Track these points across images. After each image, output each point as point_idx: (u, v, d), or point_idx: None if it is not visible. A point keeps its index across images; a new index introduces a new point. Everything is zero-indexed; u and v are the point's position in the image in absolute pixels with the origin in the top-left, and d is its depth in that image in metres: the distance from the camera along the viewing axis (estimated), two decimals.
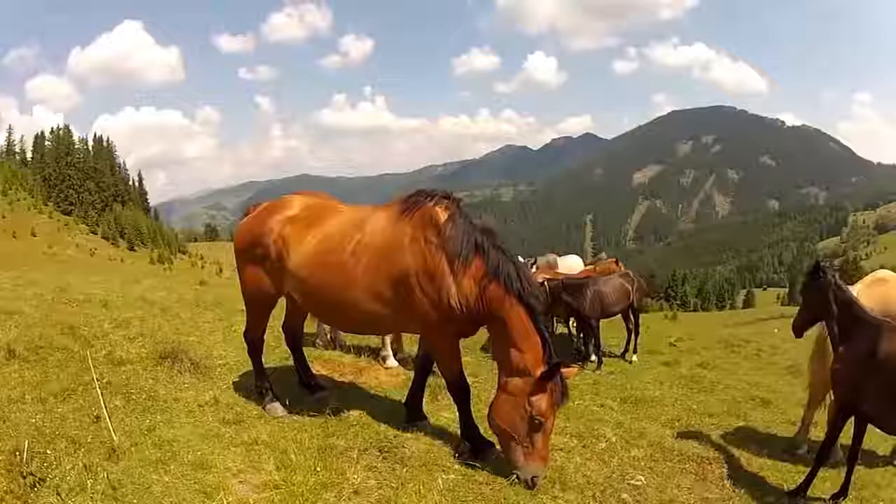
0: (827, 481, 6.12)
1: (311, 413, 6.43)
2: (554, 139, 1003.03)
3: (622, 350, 12.77)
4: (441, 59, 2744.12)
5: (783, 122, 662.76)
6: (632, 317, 12.49)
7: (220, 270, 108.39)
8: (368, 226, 5.83)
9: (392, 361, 9.02)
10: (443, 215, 5.59)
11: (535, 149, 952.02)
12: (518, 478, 5.36)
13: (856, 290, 7.24)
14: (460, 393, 5.91)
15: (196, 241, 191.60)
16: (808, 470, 6.00)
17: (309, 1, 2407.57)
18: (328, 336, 9.93)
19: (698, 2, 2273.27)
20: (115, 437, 5.12)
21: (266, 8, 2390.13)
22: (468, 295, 5.46)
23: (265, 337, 7.08)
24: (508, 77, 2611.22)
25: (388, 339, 9.06)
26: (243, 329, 7.11)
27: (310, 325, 8.77)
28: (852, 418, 5.73)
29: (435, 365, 6.48)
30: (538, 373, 5.30)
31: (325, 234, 5.96)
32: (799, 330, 6.30)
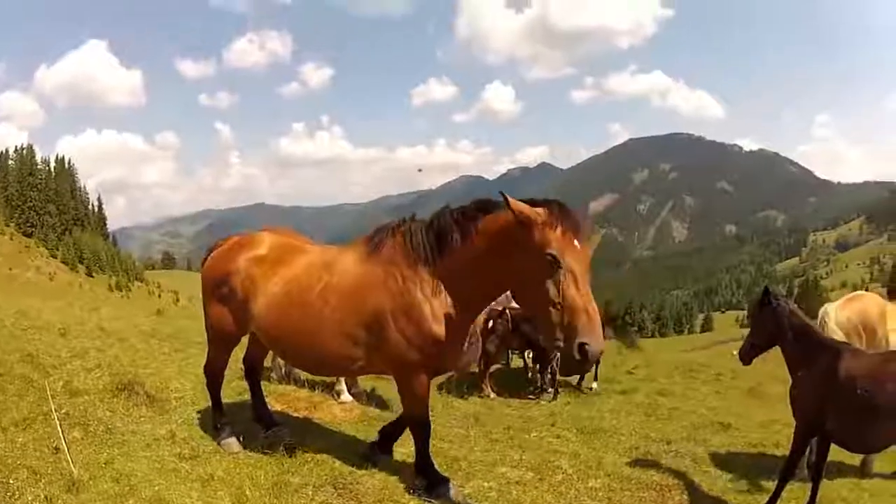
0: (792, 502, 6.21)
1: (266, 449, 6.37)
2: (510, 169, 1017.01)
3: (578, 380, 12.85)
4: (399, 89, 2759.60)
5: (741, 147, 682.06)
6: None
7: (177, 300, 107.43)
8: (337, 267, 5.76)
9: (346, 396, 8.97)
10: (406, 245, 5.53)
11: (491, 179, 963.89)
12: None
13: (834, 307, 7.77)
14: (422, 431, 5.83)
15: (153, 268, 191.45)
16: (773, 490, 6.12)
17: (271, 27, 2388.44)
18: (283, 370, 9.87)
19: (657, 30, 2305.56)
20: (74, 470, 5.12)
21: (229, 33, 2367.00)
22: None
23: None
24: (466, 107, 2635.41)
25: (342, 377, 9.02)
26: (200, 362, 7.12)
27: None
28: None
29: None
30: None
31: (293, 276, 5.89)
32: (747, 357, 6.60)
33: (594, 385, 12.57)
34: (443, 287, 5.37)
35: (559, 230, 4.67)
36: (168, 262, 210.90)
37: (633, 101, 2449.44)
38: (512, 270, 5.00)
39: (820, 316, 8.15)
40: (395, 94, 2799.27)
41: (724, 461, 7.80)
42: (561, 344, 4.66)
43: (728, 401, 12.06)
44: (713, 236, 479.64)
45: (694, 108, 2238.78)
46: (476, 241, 5.20)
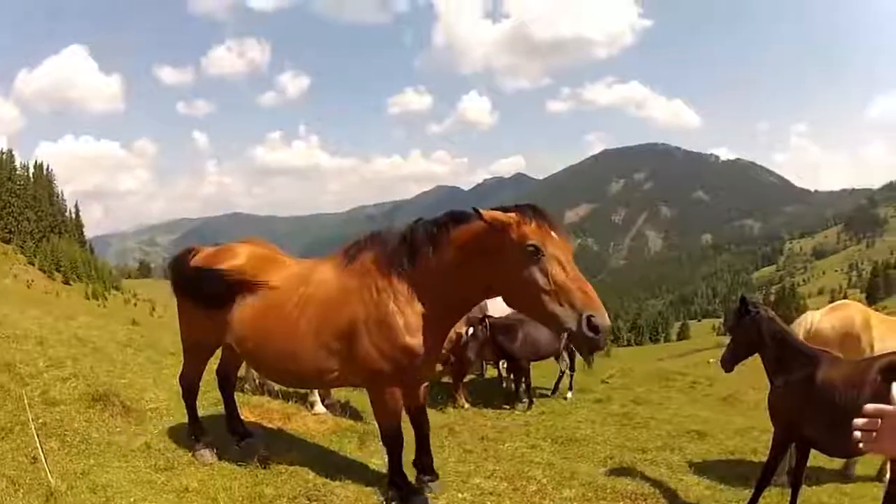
0: None
1: (240, 461, 6.42)
2: (486, 179, 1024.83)
3: (553, 389, 12.92)
4: (376, 99, 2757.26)
5: (717, 156, 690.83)
6: (566, 357, 12.68)
7: (153, 309, 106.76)
8: (314, 278, 5.77)
9: (320, 407, 8.95)
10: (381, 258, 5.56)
11: (466, 189, 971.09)
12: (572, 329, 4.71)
13: (818, 315, 8.13)
14: (395, 443, 5.82)
15: (130, 277, 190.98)
16: (750, 496, 6.20)
17: (250, 35, 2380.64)
18: (256, 381, 9.86)
19: (635, 40, 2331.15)
20: (52, 480, 5.21)
21: (208, 40, 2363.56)
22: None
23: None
24: (442, 117, 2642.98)
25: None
26: (175, 372, 7.24)
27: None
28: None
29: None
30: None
31: (269, 286, 5.88)
32: (729, 364, 6.63)
33: (569, 394, 12.60)
34: (417, 297, 5.39)
35: (534, 224, 4.80)
36: (144, 270, 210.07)
37: (609, 111, 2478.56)
38: (495, 274, 5.04)
39: (802, 324, 8.26)
40: (372, 103, 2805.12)
41: (700, 469, 7.82)
42: (570, 325, 4.64)
43: (704, 409, 12.09)
44: (689, 246, 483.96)
45: (670, 118, 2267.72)
46: (450, 251, 5.24)
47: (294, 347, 5.65)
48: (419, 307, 5.38)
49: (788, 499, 6.03)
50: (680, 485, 7.11)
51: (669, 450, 8.66)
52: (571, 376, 12.81)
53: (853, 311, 8.25)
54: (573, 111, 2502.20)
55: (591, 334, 4.52)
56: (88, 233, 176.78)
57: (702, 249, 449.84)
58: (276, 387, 9.36)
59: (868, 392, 5.30)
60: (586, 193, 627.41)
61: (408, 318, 5.35)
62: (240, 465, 6.34)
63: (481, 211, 4.91)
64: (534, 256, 4.72)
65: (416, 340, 5.34)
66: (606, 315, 4.63)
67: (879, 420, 2.02)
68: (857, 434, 2.08)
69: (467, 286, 5.30)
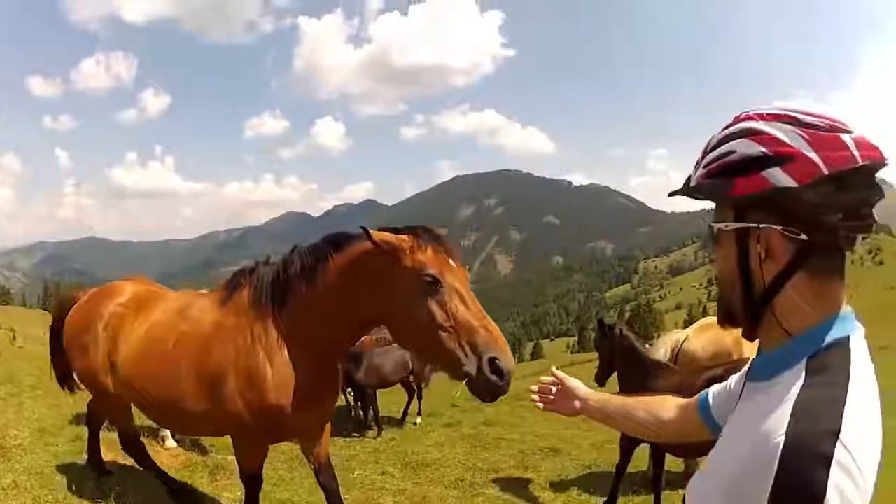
0: None
1: (97, 497, 6.40)
2: (336, 206, 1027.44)
3: (402, 415, 12.87)
4: (233, 121, 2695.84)
5: (570, 182, 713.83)
6: (413, 385, 12.77)
7: (14, 338, 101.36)
8: (191, 314, 5.39)
9: (171, 442, 8.72)
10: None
11: (316, 216, 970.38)
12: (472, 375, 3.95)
13: (687, 335, 8.61)
14: (254, 485, 5.54)
15: None
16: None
17: (119, 48, 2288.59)
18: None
19: (494, 69, 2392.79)
20: None
21: (81, 52, 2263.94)
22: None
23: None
24: (295, 142, 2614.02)
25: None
26: (36, 407, 7.62)
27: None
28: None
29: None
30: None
31: (152, 323, 5.55)
32: (601, 379, 7.40)
33: (418, 419, 12.60)
34: (292, 341, 4.88)
35: (430, 251, 4.21)
36: (4, 296, 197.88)
37: (463, 138, 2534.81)
38: (382, 308, 4.45)
39: (668, 343, 8.74)
40: (230, 126, 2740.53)
41: (556, 485, 7.95)
42: (469, 369, 3.93)
43: (557, 426, 12.16)
44: (540, 268, 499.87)
45: (525, 145, 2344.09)
46: (330, 283, 4.68)
47: (174, 390, 5.23)
48: (294, 353, 4.86)
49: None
50: (537, 501, 7.27)
51: (523, 468, 8.74)
52: (419, 401, 12.91)
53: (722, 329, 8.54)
54: (426, 138, 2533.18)
55: (493, 378, 3.84)
56: None
57: (553, 271, 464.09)
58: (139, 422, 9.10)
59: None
60: (436, 219, 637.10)
61: (278, 368, 4.84)
62: (96, 502, 6.31)
63: (370, 231, 4.27)
64: (431, 288, 4.11)
65: (283, 397, 4.82)
66: (512, 358, 4.00)
67: (554, 388, 2.45)
68: (535, 397, 2.51)
69: (351, 322, 4.78)
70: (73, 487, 6.59)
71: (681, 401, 2.15)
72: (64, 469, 7.10)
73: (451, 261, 4.23)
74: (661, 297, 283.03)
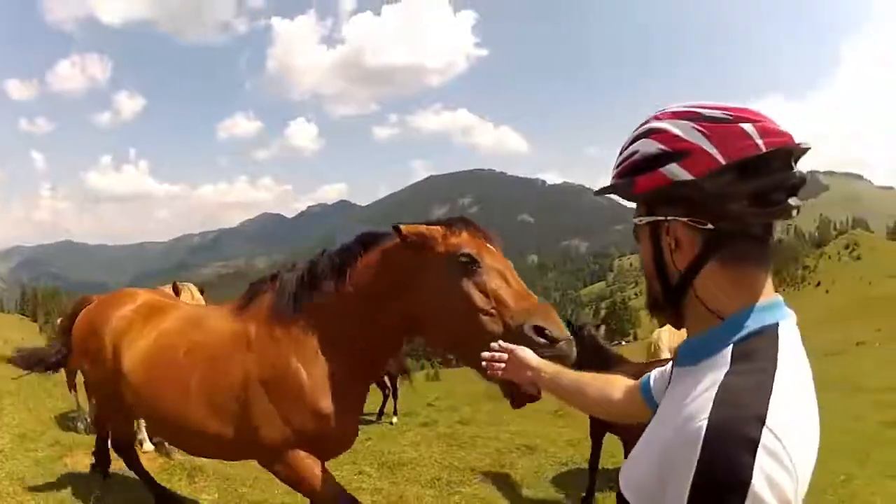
0: None
1: (80, 501, 6.44)
2: (310, 206, 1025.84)
3: (378, 415, 13.00)
4: (207, 123, 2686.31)
5: (544, 181, 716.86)
6: (388, 381, 12.81)
7: None
8: (206, 324, 4.93)
9: (148, 445, 8.66)
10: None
11: (290, 217, 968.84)
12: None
13: (666, 333, 8.98)
14: None
15: None
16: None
17: (94, 50, 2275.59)
18: (89, 419, 9.58)
19: (468, 69, 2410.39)
20: None
21: (56, 54, 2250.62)
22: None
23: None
24: (269, 143, 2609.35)
25: (143, 421, 8.56)
26: (14, 413, 7.58)
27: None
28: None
29: None
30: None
31: (161, 331, 5.13)
32: None
33: (394, 419, 12.67)
34: (323, 350, 4.33)
35: (465, 234, 3.84)
36: None
37: (436, 137, 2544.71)
38: (415, 302, 3.97)
39: (654, 341, 9.08)
40: (203, 127, 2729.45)
41: (532, 482, 8.01)
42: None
43: (533, 424, 12.20)
44: (515, 267, 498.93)
45: (498, 144, 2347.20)
46: (359, 282, 4.23)
47: (183, 404, 4.66)
48: (327, 363, 4.31)
49: None
50: (513, 498, 7.31)
51: (500, 466, 8.77)
52: (395, 400, 12.98)
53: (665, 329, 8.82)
54: (399, 138, 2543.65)
55: (540, 339, 3.34)
56: None
57: (528, 269, 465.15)
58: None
59: None
60: (409, 219, 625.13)
61: (315, 377, 4.29)
62: None
63: (401, 226, 3.90)
64: (468, 269, 3.72)
65: (326, 403, 4.26)
66: (563, 327, 3.50)
67: (507, 355, 2.53)
68: (484, 363, 2.59)
69: (385, 328, 4.23)
70: (55, 492, 6.60)
71: (630, 382, 2.21)
72: (45, 474, 7.10)
73: (488, 244, 3.87)
74: (636, 294, 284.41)
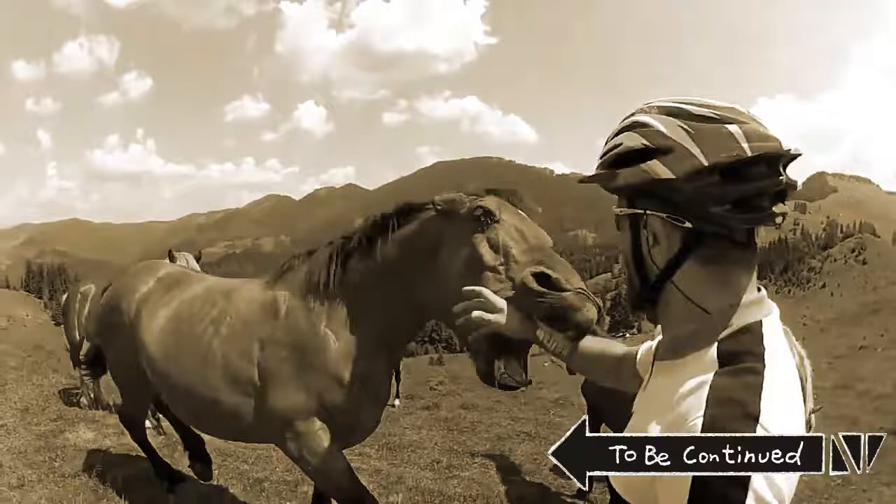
0: None
1: (81, 475, 6.45)
2: (317, 189, 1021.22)
3: None
4: (214, 105, 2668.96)
5: (552, 170, 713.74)
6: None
7: None
8: (237, 294, 4.73)
9: (150, 421, 8.53)
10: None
11: (297, 199, 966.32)
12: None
13: None
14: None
15: None
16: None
17: (102, 32, 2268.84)
18: (92, 395, 9.62)
19: (477, 56, 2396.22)
20: None
21: (63, 35, 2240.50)
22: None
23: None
24: (277, 125, 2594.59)
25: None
26: (17, 389, 7.74)
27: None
28: None
29: None
30: None
31: (187, 298, 4.96)
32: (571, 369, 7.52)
33: (396, 402, 12.63)
34: (353, 320, 4.16)
35: (492, 196, 3.47)
36: None
37: (445, 124, 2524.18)
38: (434, 275, 3.63)
39: (655, 334, 8.86)
40: (210, 109, 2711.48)
41: (531, 469, 8.05)
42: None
43: (534, 412, 12.34)
44: None
45: (506, 133, 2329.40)
46: (389, 256, 4.01)
47: (203, 376, 4.51)
48: (356, 331, 4.14)
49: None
50: (511, 485, 7.28)
51: (499, 452, 8.85)
52: (398, 384, 12.87)
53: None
54: (408, 123, 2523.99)
55: (538, 288, 2.88)
56: None
57: None
58: (112, 401, 9.13)
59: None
60: None
61: (340, 346, 4.12)
62: (81, 480, 6.35)
63: (436, 197, 3.60)
64: (481, 223, 3.34)
65: (348, 374, 4.06)
66: (579, 278, 2.98)
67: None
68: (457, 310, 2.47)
69: (409, 306, 3.99)
70: (57, 466, 6.65)
71: (625, 347, 2.23)
72: (47, 448, 7.16)
73: (519, 210, 3.51)
74: None
